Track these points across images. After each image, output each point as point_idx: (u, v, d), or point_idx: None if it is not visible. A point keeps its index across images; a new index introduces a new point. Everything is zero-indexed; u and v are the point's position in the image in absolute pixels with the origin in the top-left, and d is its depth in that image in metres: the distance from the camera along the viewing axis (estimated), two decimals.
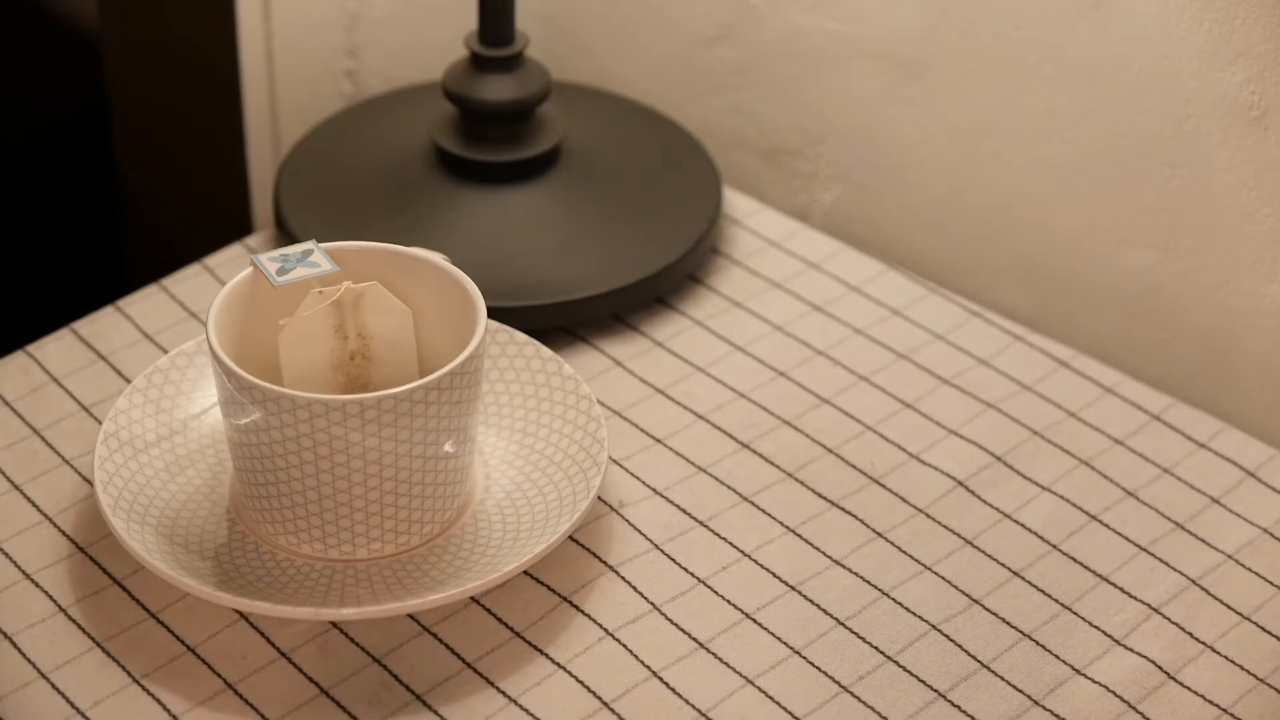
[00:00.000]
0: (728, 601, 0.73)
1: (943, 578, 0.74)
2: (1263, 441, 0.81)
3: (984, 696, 0.69)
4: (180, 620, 0.71)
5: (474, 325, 0.71)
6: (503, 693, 0.69)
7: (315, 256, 0.73)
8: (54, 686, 0.68)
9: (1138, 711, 0.69)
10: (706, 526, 0.76)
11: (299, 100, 1.02)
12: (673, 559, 0.74)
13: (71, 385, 0.81)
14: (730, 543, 0.75)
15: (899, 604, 0.73)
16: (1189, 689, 0.70)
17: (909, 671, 0.70)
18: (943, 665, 0.70)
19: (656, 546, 0.75)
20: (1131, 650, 0.71)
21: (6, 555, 0.73)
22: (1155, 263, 0.86)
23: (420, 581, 0.70)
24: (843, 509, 0.77)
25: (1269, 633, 0.72)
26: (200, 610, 0.71)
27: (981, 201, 0.91)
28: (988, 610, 0.73)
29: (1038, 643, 0.71)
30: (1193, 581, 0.74)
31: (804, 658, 0.71)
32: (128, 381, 0.81)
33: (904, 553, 0.75)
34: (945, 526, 0.76)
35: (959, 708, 0.69)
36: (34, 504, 0.75)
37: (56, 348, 0.82)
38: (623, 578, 0.73)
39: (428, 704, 0.68)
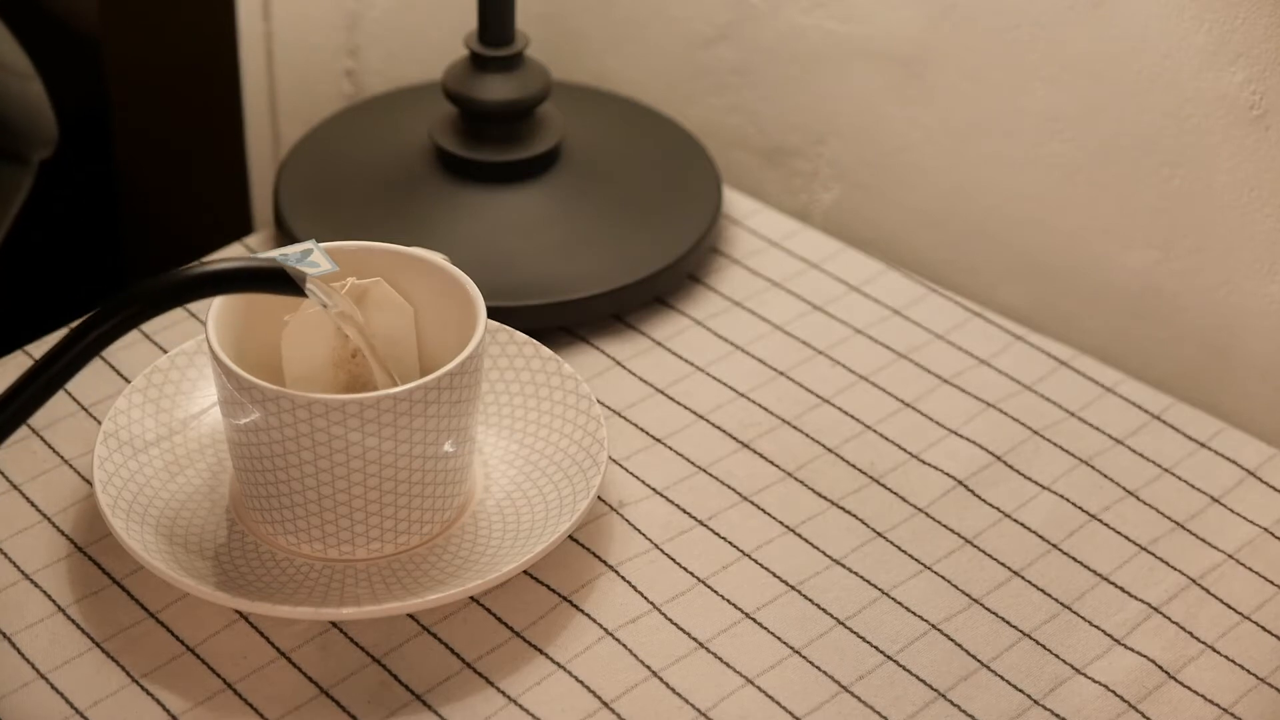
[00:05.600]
0: (728, 601, 0.73)
1: (943, 577, 0.74)
2: (1263, 441, 0.81)
3: (984, 696, 0.69)
4: (180, 620, 0.71)
5: (474, 325, 0.71)
6: (503, 693, 0.69)
7: (315, 256, 0.72)
8: (53, 686, 0.68)
9: (1138, 711, 0.69)
10: (706, 526, 0.76)
11: (299, 100, 1.02)
12: (673, 559, 0.74)
13: (71, 385, 0.81)
14: (730, 542, 0.75)
15: (899, 603, 0.73)
16: (1189, 688, 0.70)
17: (909, 671, 0.70)
18: (943, 665, 0.70)
19: (656, 546, 0.75)
20: (1131, 650, 0.71)
21: (6, 555, 0.73)
22: (1155, 263, 0.86)
23: (420, 581, 0.70)
24: (842, 509, 0.77)
25: (1269, 632, 0.72)
26: (200, 610, 0.71)
27: (981, 201, 0.91)
28: (988, 610, 0.73)
29: (1038, 642, 0.71)
30: (1193, 581, 0.74)
31: (804, 657, 0.71)
32: (127, 381, 0.81)
33: (904, 552, 0.75)
34: (945, 526, 0.76)
35: (959, 707, 0.69)
36: (33, 504, 0.75)
37: None
38: (623, 577, 0.73)
39: (428, 704, 0.68)
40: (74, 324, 0.83)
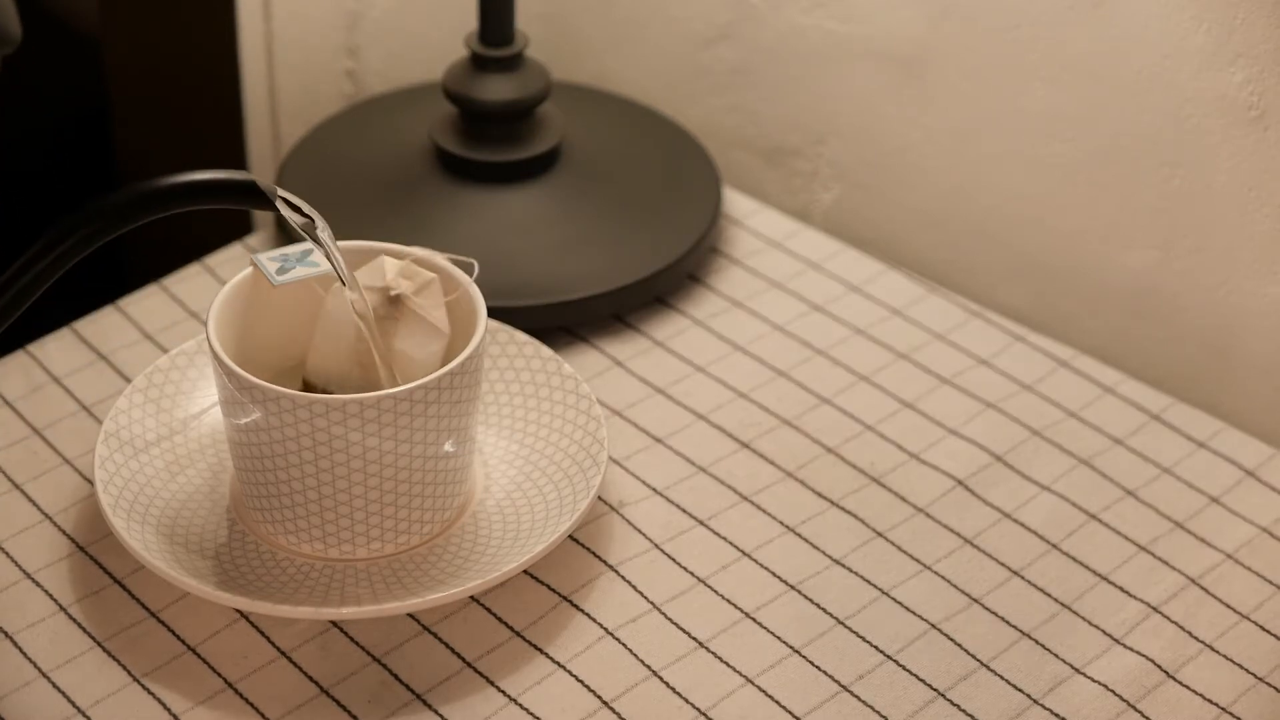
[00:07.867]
0: (727, 601, 0.73)
1: (942, 577, 0.74)
2: (1262, 441, 0.81)
3: (984, 695, 0.69)
4: (180, 620, 0.71)
5: (474, 325, 0.71)
6: (503, 692, 0.69)
7: (315, 256, 0.73)
8: (54, 685, 0.68)
9: (1137, 710, 0.69)
10: (706, 526, 0.76)
11: (299, 100, 1.02)
12: (673, 558, 0.74)
13: (72, 385, 0.81)
14: (730, 542, 0.75)
15: (899, 603, 0.73)
16: (1188, 688, 0.70)
17: (909, 671, 0.70)
18: (942, 664, 0.70)
19: (656, 546, 0.75)
20: (1131, 649, 0.71)
21: (7, 555, 0.73)
22: (1155, 263, 0.86)
23: (420, 581, 0.70)
24: (842, 508, 0.77)
25: (1268, 632, 0.72)
26: (200, 610, 0.71)
27: (982, 201, 0.91)
28: (987, 609, 0.73)
29: (1037, 642, 0.71)
30: (1192, 581, 0.74)
31: (804, 657, 0.71)
32: (128, 381, 0.81)
33: (904, 552, 0.75)
34: (945, 526, 0.76)
35: (959, 707, 0.69)
36: (34, 503, 0.75)
37: (56, 347, 0.83)
38: (623, 577, 0.73)
39: (428, 703, 0.68)
40: (74, 323, 0.83)
